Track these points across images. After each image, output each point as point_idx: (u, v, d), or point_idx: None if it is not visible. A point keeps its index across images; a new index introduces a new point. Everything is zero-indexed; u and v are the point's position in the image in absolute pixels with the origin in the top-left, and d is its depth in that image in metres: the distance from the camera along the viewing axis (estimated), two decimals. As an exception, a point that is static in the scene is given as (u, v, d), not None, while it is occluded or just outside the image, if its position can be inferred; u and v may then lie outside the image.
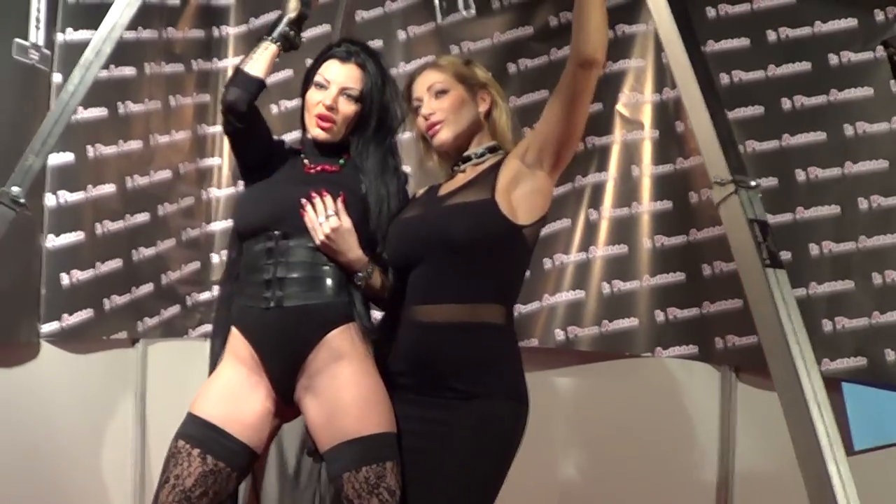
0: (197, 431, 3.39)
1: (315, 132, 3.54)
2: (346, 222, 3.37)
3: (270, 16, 5.18)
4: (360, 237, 3.41)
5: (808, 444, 2.69)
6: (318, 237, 3.36)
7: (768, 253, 2.78)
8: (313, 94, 3.55)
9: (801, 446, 2.71)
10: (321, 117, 3.51)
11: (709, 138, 2.88)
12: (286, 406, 3.46)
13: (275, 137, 3.70)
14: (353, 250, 3.39)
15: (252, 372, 3.43)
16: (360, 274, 3.40)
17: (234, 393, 3.43)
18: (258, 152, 3.61)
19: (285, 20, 3.59)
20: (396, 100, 3.63)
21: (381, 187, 3.50)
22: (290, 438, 4.69)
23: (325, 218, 3.36)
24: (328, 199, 3.38)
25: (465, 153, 3.47)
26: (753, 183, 2.87)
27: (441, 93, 3.45)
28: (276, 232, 3.41)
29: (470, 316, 3.29)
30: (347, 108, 3.52)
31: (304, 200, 3.39)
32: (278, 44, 3.57)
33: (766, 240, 2.79)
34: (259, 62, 3.52)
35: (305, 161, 3.59)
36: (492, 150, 3.47)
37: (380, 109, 3.56)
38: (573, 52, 3.13)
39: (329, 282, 3.40)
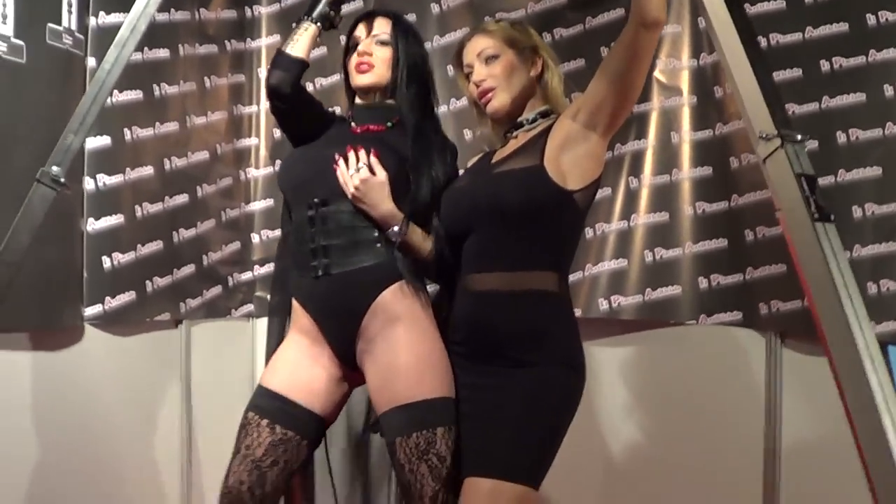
0: (265, 402, 3.49)
1: (359, 79, 3.59)
2: (381, 175, 3.39)
3: (302, -5, 5.20)
4: (397, 194, 3.42)
5: (862, 397, 2.65)
6: (349, 190, 3.38)
7: (817, 207, 2.74)
8: (350, 58, 3.61)
9: (855, 400, 2.68)
10: (359, 64, 3.57)
11: (752, 93, 2.84)
12: (352, 371, 3.50)
13: (328, 109, 3.74)
14: (384, 203, 3.40)
15: (314, 342, 3.50)
16: (394, 229, 3.40)
17: (298, 363, 3.50)
18: (307, 128, 3.66)
19: (324, 1, 3.64)
20: (425, 52, 3.68)
21: (422, 145, 3.51)
22: (357, 407, 4.70)
23: (355, 170, 3.37)
24: (362, 152, 3.40)
25: (518, 119, 3.46)
26: (799, 136, 2.83)
27: (492, 58, 3.44)
28: (315, 200, 3.44)
29: (522, 283, 3.29)
30: (382, 51, 3.61)
31: (337, 156, 3.41)
32: (318, 24, 3.65)
33: (814, 194, 2.76)
34: (300, 43, 3.61)
35: (352, 124, 3.62)
36: (544, 114, 3.46)
37: (411, 51, 3.60)
38: (636, 12, 3.09)
39: (373, 244, 3.43)
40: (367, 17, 3.69)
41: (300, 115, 3.66)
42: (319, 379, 3.51)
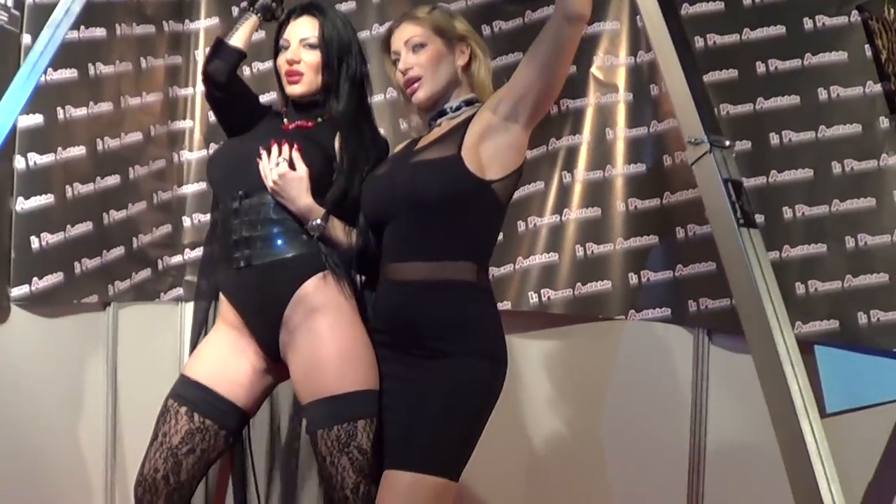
0: (185, 391, 3.50)
1: (290, 89, 3.60)
2: (301, 170, 3.40)
3: (242, -23, 5.16)
4: (321, 190, 3.42)
5: (782, 403, 2.70)
6: (268, 183, 3.39)
7: (742, 213, 2.79)
8: (280, 58, 3.62)
9: (775, 406, 2.72)
10: (289, 73, 3.57)
11: (683, 97, 2.88)
12: (276, 364, 3.51)
13: (263, 102, 3.73)
14: (302, 197, 3.42)
15: (240, 334, 3.51)
16: (314, 223, 3.41)
17: (222, 354, 3.51)
18: (242, 118, 3.67)
19: None
20: (356, 40, 3.66)
21: (353, 141, 3.52)
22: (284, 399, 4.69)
23: (275, 164, 3.38)
24: (285, 147, 3.41)
25: (442, 107, 3.46)
26: (728, 143, 2.87)
27: (419, 46, 3.43)
28: (239, 191, 3.44)
29: (439, 273, 3.30)
30: (310, 56, 3.60)
31: (261, 149, 3.42)
32: (259, 15, 3.65)
33: (739, 199, 2.80)
34: (239, 33, 3.61)
35: (284, 120, 3.62)
36: (469, 102, 3.46)
37: (341, 50, 3.60)
38: (560, 6, 3.11)
39: (293, 236, 3.44)
40: (295, 16, 3.67)
41: (235, 105, 3.68)
42: (243, 371, 3.51)
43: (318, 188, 3.45)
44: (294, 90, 3.60)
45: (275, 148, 3.43)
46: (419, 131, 3.69)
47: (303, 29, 3.61)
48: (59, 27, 3.41)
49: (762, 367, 2.76)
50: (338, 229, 3.49)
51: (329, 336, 3.36)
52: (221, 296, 3.57)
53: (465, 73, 3.49)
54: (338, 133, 3.55)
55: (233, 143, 3.68)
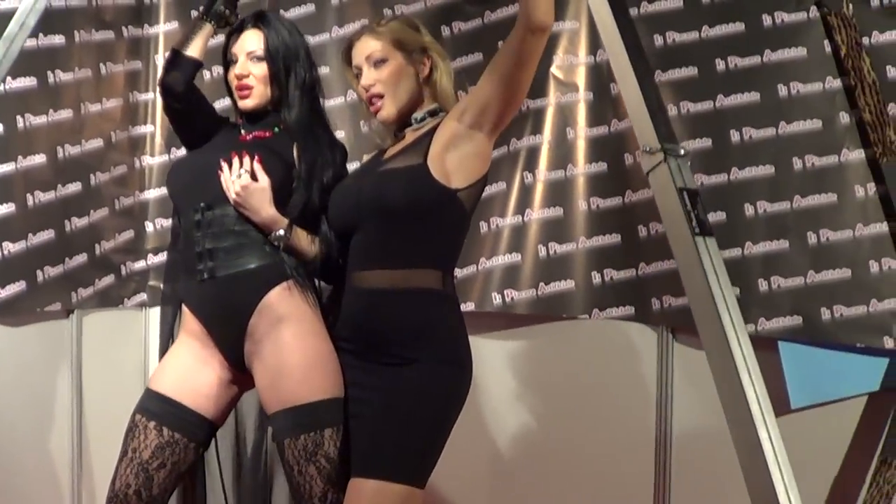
0: (153, 405, 3.50)
1: (242, 104, 3.61)
2: (263, 181, 3.40)
3: (201, -19, 5.15)
4: (282, 199, 3.43)
5: (740, 410, 2.71)
6: (231, 195, 3.39)
7: (697, 221, 2.80)
8: (229, 74, 3.62)
9: (732, 412, 2.74)
10: (239, 88, 3.59)
11: (637, 107, 2.90)
12: (241, 374, 3.52)
13: (220, 114, 3.73)
14: (264, 208, 3.43)
15: (204, 345, 3.51)
16: (278, 233, 3.42)
17: (187, 366, 3.52)
18: (199, 129, 3.68)
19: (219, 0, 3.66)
20: (304, 46, 3.66)
21: (310, 149, 3.52)
22: (249, 409, 4.70)
23: (237, 176, 3.38)
24: (246, 159, 3.42)
25: (407, 119, 3.47)
26: (682, 151, 2.88)
27: (380, 62, 3.43)
28: (201, 204, 3.44)
29: (404, 281, 3.31)
30: (257, 68, 3.61)
31: (222, 161, 3.42)
32: (212, 23, 3.65)
33: (695, 208, 2.81)
34: (194, 42, 3.62)
35: (242, 131, 3.62)
36: (432, 113, 3.47)
37: (287, 58, 3.60)
38: (523, 17, 3.11)
39: (257, 247, 3.44)
40: (239, 30, 3.67)
41: (193, 115, 3.69)
42: (209, 382, 3.52)
43: (280, 197, 3.46)
44: (246, 104, 3.60)
45: (235, 160, 3.43)
46: (380, 135, 3.69)
47: (249, 42, 3.61)
48: (12, 44, 3.40)
49: (719, 374, 2.78)
50: (302, 239, 3.50)
51: (294, 345, 3.37)
52: (184, 307, 3.57)
53: (426, 84, 3.49)
54: (294, 142, 3.55)
55: (193, 156, 3.68)
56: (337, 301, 3.51)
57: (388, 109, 3.46)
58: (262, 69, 3.59)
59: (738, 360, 2.71)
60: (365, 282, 3.36)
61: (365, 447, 3.32)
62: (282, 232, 3.44)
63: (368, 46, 3.47)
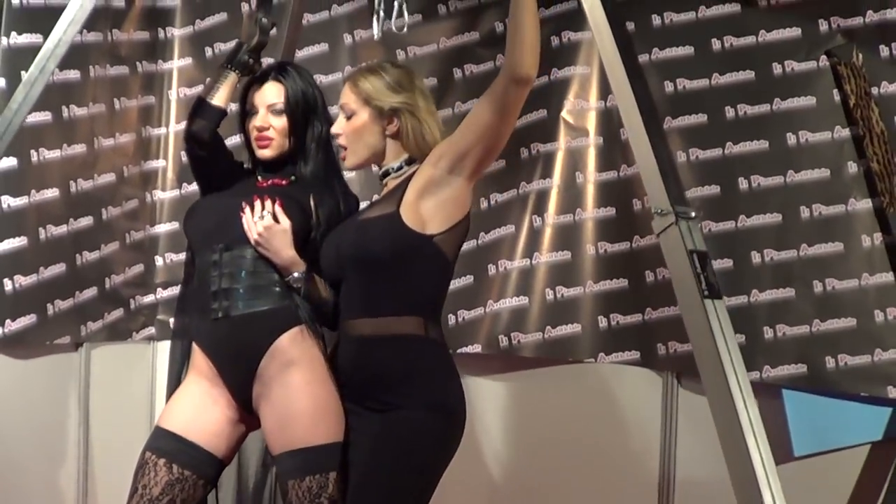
0: (162, 442, 3.50)
1: (260, 153, 3.63)
2: (284, 223, 3.43)
3: (216, 18, 5.21)
4: (298, 245, 3.46)
5: (744, 472, 2.73)
6: (252, 236, 3.42)
7: (707, 284, 2.82)
8: (248, 123, 3.65)
9: (737, 475, 2.76)
10: (258, 139, 3.61)
11: (649, 169, 2.92)
12: (248, 415, 3.53)
13: (237, 160, 3.77)
14: (286, 250, 3.44)
15: (213, 384, 3.53)
16: (295, 275, 3.45)
17: (196, 405, 3.54)
18: (218, 175, 3.70)
19: (244, 49, 3.70)
20: (321, 98, 3.69)
21: (326, 201, 3.55)
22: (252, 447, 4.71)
23: (259, 217, 3.41)
24: (268, 202, 3.44)
25: (384, 168, 3.48)
26: (693, 213, 2.90)
27: (349, 115, 3.45)
28: (219, 245, 3.46)
29: (387, 329, 3.34)
30: (278, 121, 3.62)
31: (244, 203, 3.45)
32: (237, 72, 3.67)
33: (704, 270, 2.83)
34: (220, 91, 3.65)
35: (259, 178, 3.65)
36: (409, 161, 3.47)
37: (307, 112, 3.62)
38: (508, 69, 3.14)
39: (273, 288, 3.47)
40: (260, 80, 3.68)
41: (215, 162, 3.71)
42: (217, 420, 3.53)
43: (296, 244, 3.48)
44: (264, 154, 3.62)
45: (257, 202, 3.46)
46: None
47: (270, 94, 3.63)
48: (34, 84, 3.44)
49: (724, 434, 2.80)
50: (318, 283, 3.52)
51: (303, 390, 3.39)
52: (194, 347, 3.59)
53: (395, 138, 3.48)
54: (309, 192, 3.57)
55: (211, 199, 3.69)
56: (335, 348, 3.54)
57: (350, 160, 3.49)
58: (281, 122, 3.61)
59: (744, 424, 2.72)
60: (352, 330, 3.40)
61: (356, 492, 3.35)
62: (298, 274, 3.46)
63: (346, 96, 3.48)
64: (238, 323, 3.47)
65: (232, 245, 3.49)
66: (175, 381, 3.72)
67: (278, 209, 3.45)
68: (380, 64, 3.58)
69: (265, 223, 3.42)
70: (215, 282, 3.49)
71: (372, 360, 3.35)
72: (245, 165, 3.79)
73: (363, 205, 3.74)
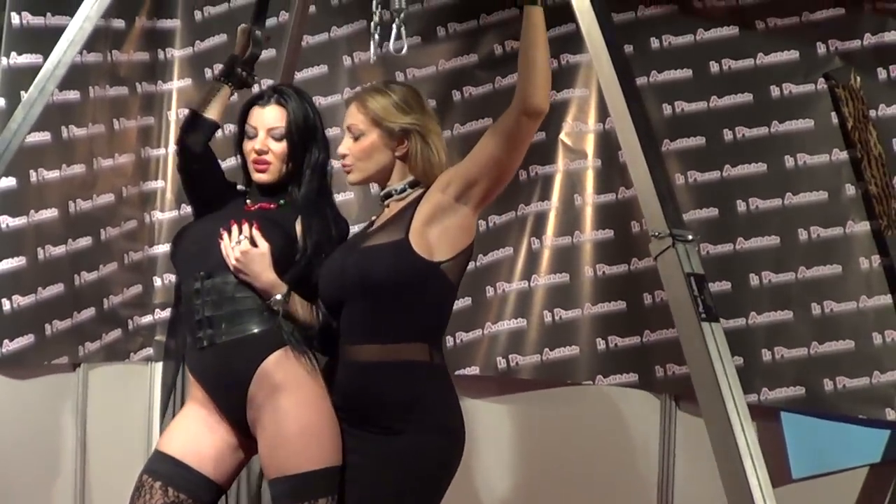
0: (159, 466, 3.49)
1: (257, 177, 3.59)
2: (262, 247, 3.41)
3: (215, 39, 5.23)
4: (278, 270, 3.44)
5: (742, 496, 2.73)
6: (231, 262, 3.40)
7: (704, 307, 2.82)
8: (246, 144, 3.60)
9: (735, 499, 2.76)
10: (256, 162, 3.57)
11: (647, 192, 2.93)
12: (247, 439, 3.52)
13: (229, 181, 3.75)
14: (265, 273, 3.42)
15: (210, 411, 3.52)
16: (276, 297, 3.43)
17: (194, 430, 3.53)
18: (210, 191, 3.68)
19: (238, 62, 3.67)
20: (321, 123, 3.67)
21: (315, 226, 3.53)
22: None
23: (236, 242, 3.40)
24: (245, 226, 3.43)
25: (386, 189, 3.47)
26: (691, 236, 2.91)
27: (357, 135, 3.43)
28: (201, 272, 3.45)
29: (393, 355, 3.32)
30: (277, 146, 3.57)
31: (222, 230, 3.44)
32: (231, 85, 3.65)
33: (702, 293, 2.83)
34: (212, 104, 3.61)
35: (248, 201, 3.63)
36: (413, 184, 3.46)
37: (306, 138, 3.60)
38: (520, 101, 3.12)
39: (256, 313, 3.45)
40: (261, 102, 3.65)
41: (206, 177, 3.68)
42: (216, 445, 3.52)
43: (278, 266, 3.46)
44: (261, 177, 3.59)
45: (234, 227, 3.45)
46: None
47: (270, 118, 3.59)
48: (33, 105, 3.45)
49: (721, 459, 2.80)
50: (300, 305, 3.50)
51: (292, 414, 3.38)
52: (189, 374, 3.59)
53: (403, 160, 3.47)
54: (298, 217, 3.56)
55: (196, 225, 3.68)
56: (331, 370, 3.52)
57: (355, 175, 3.45)
58: (281, 147, 3.58)
59: (741, 446, 2.72)
60: (355, 355, 3.38)
61: None
62: (279, 297, 3.45)
63: (352, 116, 3.46)
64: (223, 350, 3.45)
65: (213, 272, 3.47)
66: (167, 401, 3.72)
67: (256, 232, 3.43)
68: (385, 83, 3.57)
69: (242, 248, 3.40)
70: (199, 310, 3.47)
71: (377, 386, 3.33)
72: (238, 187, 3.77)
73: (357, 227, 3.73)
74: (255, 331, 3.44)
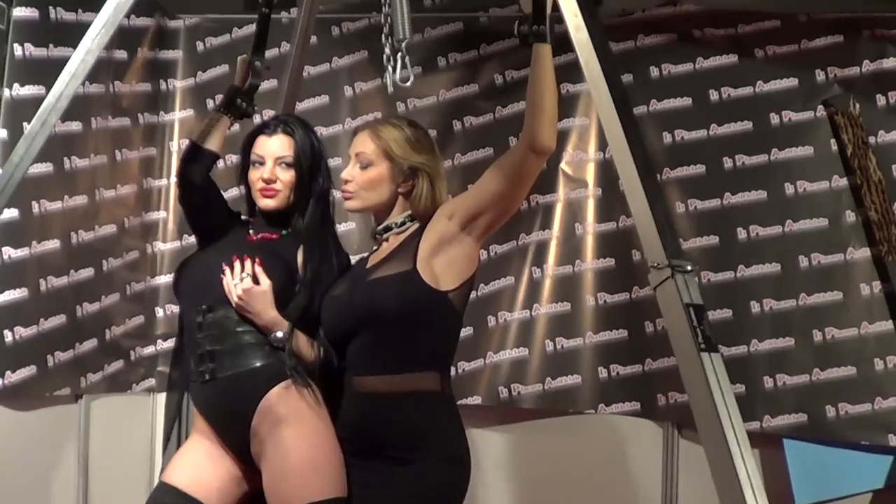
0: (165, 497, 3.48)
1: (263, 203, 3.56)
2: (265, 284, 3.41)
3: (217, 70, 5.24)
4: (281, 302, 3.44)
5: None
6: (233, 299, 3.39)
7: (703, 337, 2.82)
8: (253, 173, 3.58)
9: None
10: (264, 190, 3.54)
11: (646, 223, 2.93)
12: (252, 472, 3.51)
13: (232, 210, 3.74)
14: (267, 311, 3.41)
15: (215, 444, 3.50)
16: (277, 335, 3.43)
17: (199, 462, 3.51)
18: (212, 221, 3.66)
19: (238, 92, 3.66)
20: (325, 154, 3.67)
21: (317, 256, 3.53)
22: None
23: (239, 279, 3.40)
24: (248, 262, 3.42)
25: (385, 223, 3.47)
26: (690, 267, 2.91)
27: (365, 164, 3.43)
28: (203, 306, 3.45)
29: (404, 385, 3.31)
30: (286, 175, 3.55)
31: (224, 265, 3.43)
32: (230, 115, 3.64)
33: (701, 324, 2.83)
34: (212, 135, 3.59)
35: (250, 231, 3.62)
36: (412, 217, 3.46)
37: (313, 169, 3.59)
38: (528, 138, 3.12)
39: (257, 348, 3.43)
40: (267, 131, 3.65)
41: (207, 207, 3.67)
42: (221, 478, 3.51)
43: (281, 300, 3.45)
44: (268, 204, 3.58)
45: (237, 263, 3.44)
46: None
47: (278, 147, 3.58)
48: (35, 138, 3.46)
49: (722, 490, 2.80)
50: (301, 341, 3.50)
51: (293, 447, 3.36)
52: (193, 407, 3.58)
53: (404, 198, 3.47)
54: (300, 246, 3.56)
55: (198, 257, 3.66)
56: (333, 402, 3.51)
57: (355, 203, 3.44)
58: (289, 175, 3.57)
59: (741, 477, 2.72)
60: (363, 387, 3.36)
61: None
62: (280, 334, 3.44)
63: (364, 144, 3.45)
64: (225, 384, 3.44)
65: (215, 306, 3.46)
66: (169, 432, 3.71)
67: (258, 269, 3.43)
68: (398, 118, 3.59)
69: (244, 286, 3.39)
70: (201, 344, 3.47)
71: (388, 417, 3.31)
72: (242, 216, 3.77)
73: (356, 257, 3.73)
74: (257, 365, 3.43)
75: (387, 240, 3.46)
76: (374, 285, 3.34)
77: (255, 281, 3.40)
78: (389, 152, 3.40)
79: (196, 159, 3.61)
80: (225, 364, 3.43)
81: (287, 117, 3.72)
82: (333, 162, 3.98)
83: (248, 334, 3.44)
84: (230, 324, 3.44)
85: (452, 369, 4.69)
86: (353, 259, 3.64)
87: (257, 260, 3.42)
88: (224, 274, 3.43)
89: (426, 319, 3.30)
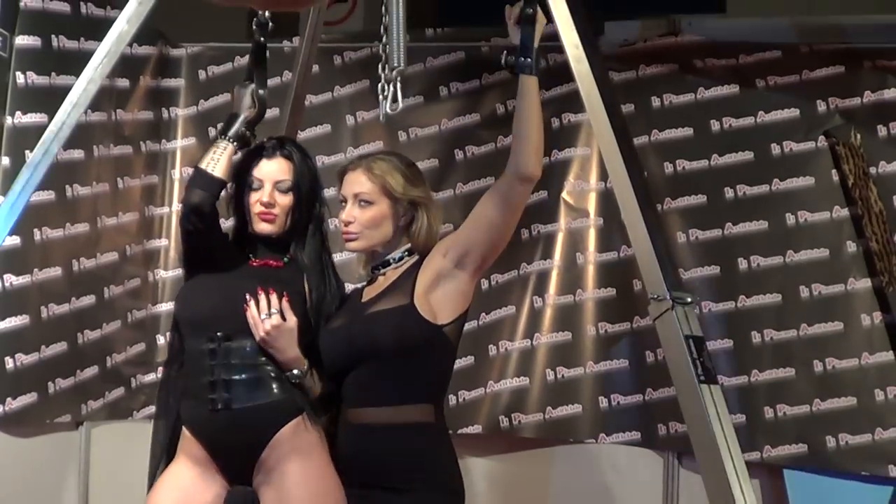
0: None
1: (260, 227, 3.53)
2: (291, 322, 3.40)
3: (219, 98, 5.24)
4: (301, 338, 3.44)
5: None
6: (259, 333, 3.38)
7: (703, 369, 2.83)
8: (250, 196, 3.56)
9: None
10: (262, 214, 3.52)
11: (646, 255, 2.94)
12: None
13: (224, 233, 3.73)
14: (291, 349, 3.41)
15: (205, 470, 3.47)
16: (294, 372, 3.43)
17: (187, 488, 3.48)
18: (210, 250, 3.63)
19: (240, 120, 3.62)
20: (321, 187, 3.66)
21: (321, 285, 3.53)
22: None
23: (267, 315, 3.38)
24: (273, 297, 3.41)
25: (386, 257, 3.47)
26: (689, 299, 2.92)
27: (365, 203, 3.42)
28: (218, 333, 3.42)
29: (400, 417, 3.33)
30: (284, 199, 3.53)
31: (248, 296, 3.41)
32: (234, 143, 3.59)
33: (700, 356, 2.84)
34: (219, 163, 3.53)
35: (250, 255, 3.60)
36: (410, 252, 3.47)
37: (310, 194, 3.59)
38: (514, 168, 3.17)
39: (274, 381, 3.43)
40: (266, 154, 3.64)
41: (209, 236, 3.64)
42: (209, 502, 3.51)
43: (299, 338, 3.46)
44: (265, 228, 3.56)
45: (263, 297, 3.42)
46: (360, 259, 3.68)
47: (277, 170, 3.56)
48: (37, 168, 3.47)
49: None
50: (315, 380, 3.51)
51: (300, 480, 3.36)
52: (186, 432, 3.55)
53: (404, 231, 3.48)
54: (304, 275, 3.55)
55: (205, 281, 3.61)
56: (329, 433, 3.52)
57: (358, 245, 3.45)
58: (287, 200, 3.55)
59: (740, 507, 2.73)
60: (359, 418, 3.38)
61: None
62: (297, 371, 3.44)
63: (360, 184, 3.44)
64: (240, 416, 3.42)
65: (233, 335, 3.45)
66: (157, 461, 3.68)
67: (285, 305, 3.42)
68: (386, 153, 3.61)
69: (273, 322, 3.38)
70: (212, 371, 3.43)
71: (385, 447, 3.33)
72: (229, 237, 3.74)
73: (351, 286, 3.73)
74: (273, 399, 3.43)
75: (384, 274, 3.47)
76: (372, 319, 3.36)
77: (283, 317, 3.40)
78: (389, 189, 3.41)
79: (204, 187, 3.52)
80: (242, 395, 3.41)
81: (284, 140, 3.71)
82: (333, 192, 3.97)
83: (265, 367, 3.43)
84: (247, 354, 3.42)
85: (452, 398, 4.78)
86: (348, 287, 3.65)
87: (285, 296, 3.42)
88: (248, 305, 3.41)
89: (423, 353, 3.33)
